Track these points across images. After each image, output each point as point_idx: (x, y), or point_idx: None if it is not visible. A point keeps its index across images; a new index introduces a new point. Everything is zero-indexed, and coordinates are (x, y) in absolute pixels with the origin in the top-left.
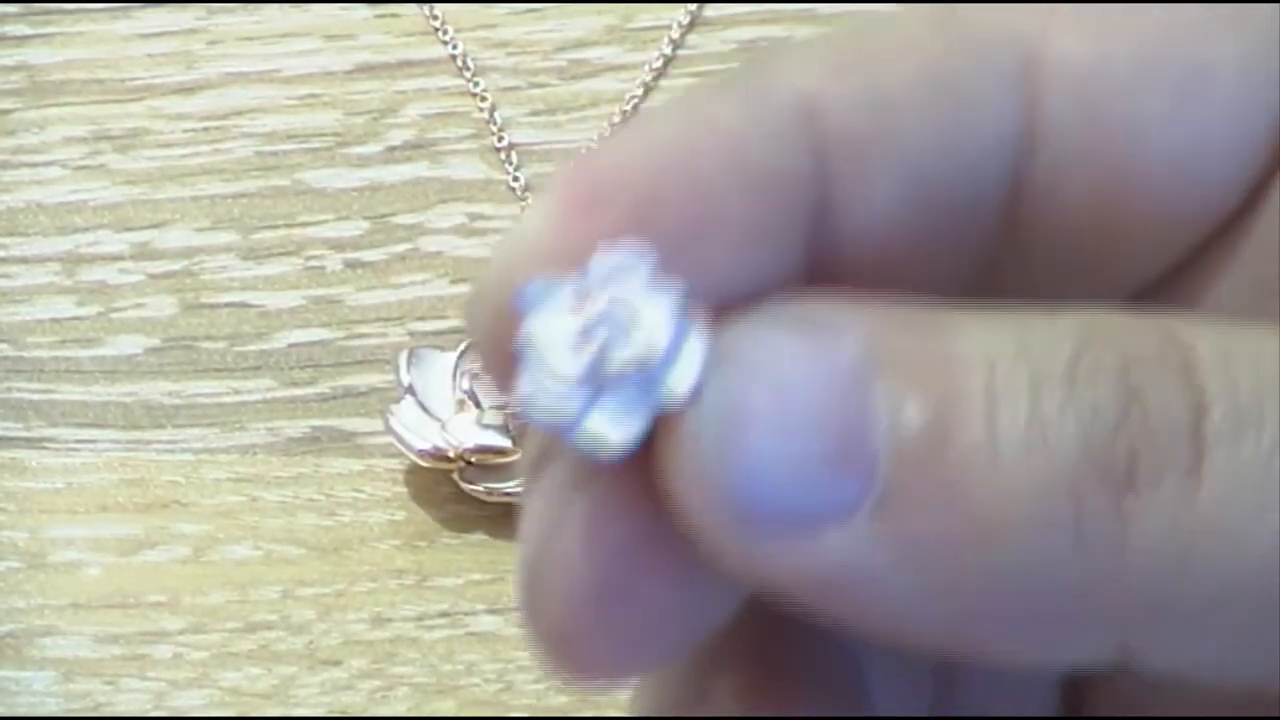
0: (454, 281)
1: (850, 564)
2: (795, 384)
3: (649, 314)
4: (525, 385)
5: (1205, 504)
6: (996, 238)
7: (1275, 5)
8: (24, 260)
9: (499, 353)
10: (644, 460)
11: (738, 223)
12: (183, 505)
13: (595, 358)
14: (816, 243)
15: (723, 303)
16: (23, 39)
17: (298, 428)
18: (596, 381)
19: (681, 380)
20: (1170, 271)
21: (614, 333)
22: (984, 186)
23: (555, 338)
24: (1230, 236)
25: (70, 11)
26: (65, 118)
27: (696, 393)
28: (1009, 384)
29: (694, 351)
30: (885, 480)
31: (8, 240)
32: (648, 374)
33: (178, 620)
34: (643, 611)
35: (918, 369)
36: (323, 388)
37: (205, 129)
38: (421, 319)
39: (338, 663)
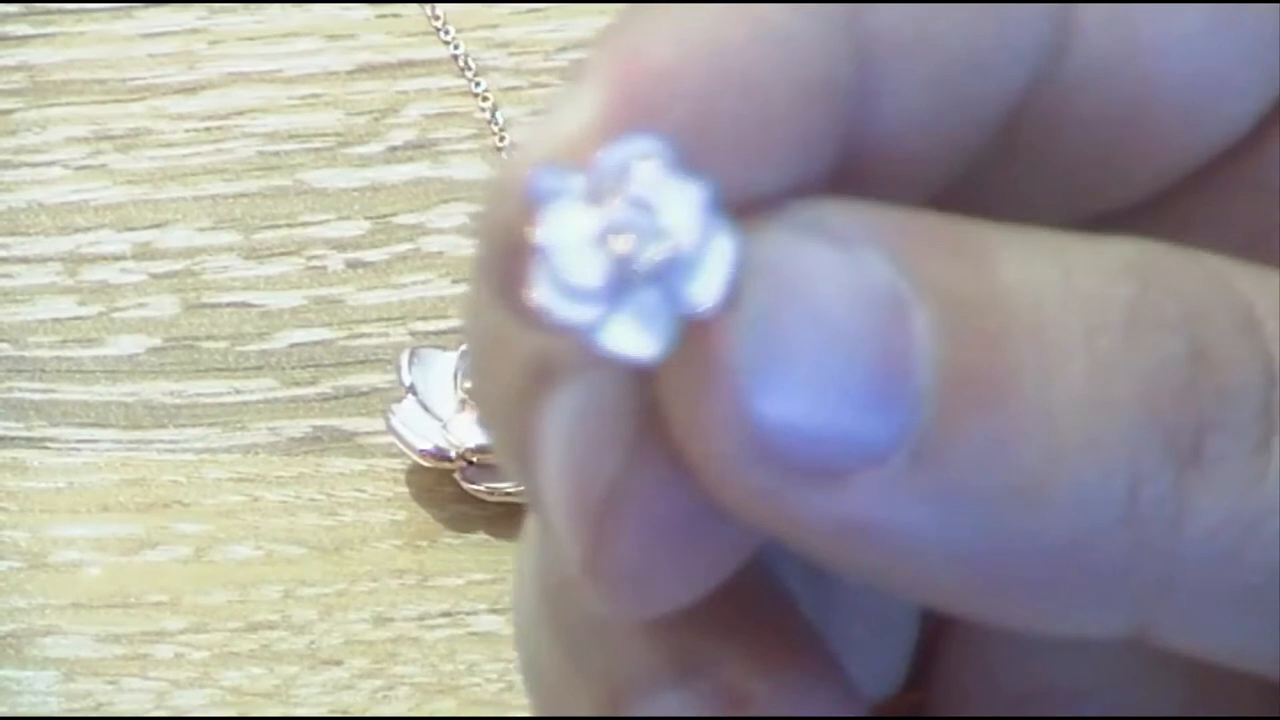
0: (455, 281)
1: (880, 514)
2: (832, 304)
3: (674, 210)
4: (540, 289)
5: (1271, 485)
6: (998, 142)
7: None
8: (25, 260)
9: (509, 249)
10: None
11: (783, 129)
12: (184, 505)
13: (617, 258)
14: (845, 143)
15: (748, 205)
16: (24, 39)
17: (299, 427)
18: (618, 283)
19: (711, 286)
20: (1159, 196)
21: (637, 230)
22: (1007, 90)
23: (572, 236)
24: (1227, 169)
25: (72, 11)
26: (67, 118)
27: (726, 300)
28: (1063, 329)
29: (723, 254)
30: (925, 426)
31: (9, 240)
32: (674, 276)
33: (179, 620)
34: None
35: (960, 301)
36: (324, 387)
37: (207, 129)
38: (423, 319)
39: (339, 662)
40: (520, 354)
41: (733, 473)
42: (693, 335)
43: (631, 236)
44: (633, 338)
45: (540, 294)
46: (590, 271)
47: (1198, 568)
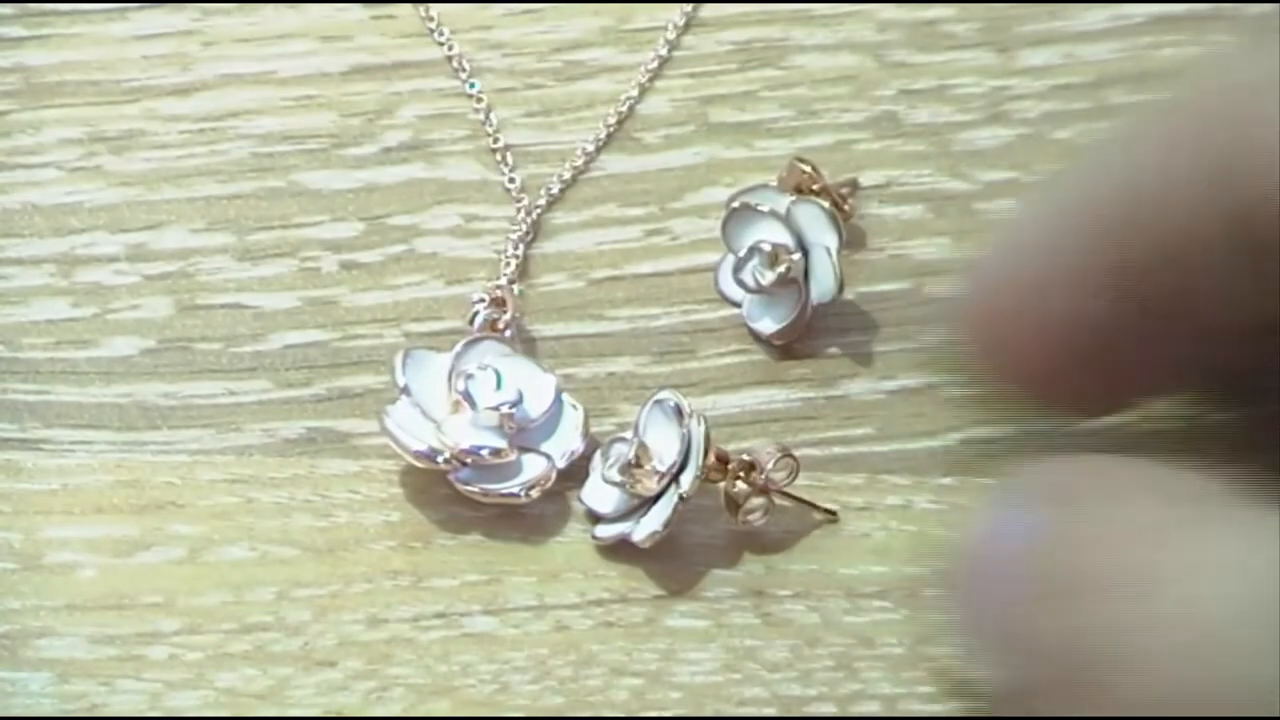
0: (449, 283)
1: None
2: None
3: None
4: None
5: None
6: None
7: None
8: (19, 262)
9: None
10: None
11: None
12: (178, 506)
13: None
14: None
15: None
16: (18, 40)
17: (293, 429)
18: None
19: None
20: None
21: None
22: None
23: None
24: None
25: (65, 13)
26: (60, 119)
27: None
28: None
29: None
30: None
31: (3, 242)
32: None
33: (173, 621)
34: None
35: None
36: (318, 389)
37: (201, 130)
38: (417, 320)
39: (333, 663)
40: None
41: None
42: None
43: None
44: None
45: None
46: None
47: None
